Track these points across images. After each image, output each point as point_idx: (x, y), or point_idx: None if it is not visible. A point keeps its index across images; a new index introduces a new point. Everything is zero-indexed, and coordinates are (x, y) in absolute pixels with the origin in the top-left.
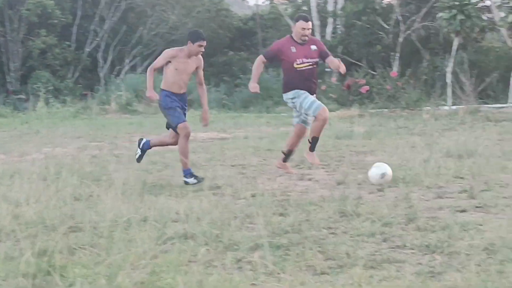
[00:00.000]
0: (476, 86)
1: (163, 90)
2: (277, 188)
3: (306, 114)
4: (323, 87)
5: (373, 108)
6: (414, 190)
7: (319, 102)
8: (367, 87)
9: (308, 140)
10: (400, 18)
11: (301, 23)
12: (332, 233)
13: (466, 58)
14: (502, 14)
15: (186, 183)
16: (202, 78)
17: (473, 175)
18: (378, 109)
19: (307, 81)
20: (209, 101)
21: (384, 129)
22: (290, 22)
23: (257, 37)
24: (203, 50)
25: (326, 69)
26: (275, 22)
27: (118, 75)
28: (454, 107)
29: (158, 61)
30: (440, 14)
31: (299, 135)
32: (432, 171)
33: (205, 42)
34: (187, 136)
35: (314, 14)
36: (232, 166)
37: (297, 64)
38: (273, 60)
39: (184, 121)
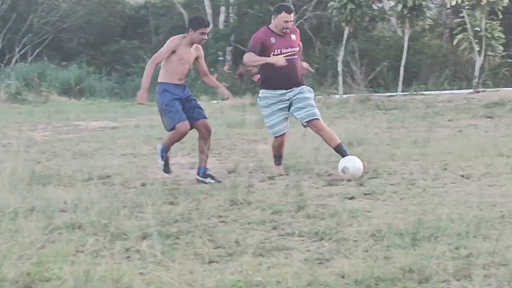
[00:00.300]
0: (366, 75)
1: (162, 83)
2: (168, 177)
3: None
4: (215, 75)
5: None
6: (305, 178)
7: (282, 126)
8: (259, 76)
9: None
10: (292, 7)
11: (284, 15)
12: (222, 222)
13: (357, 47)
14: (392, 4)
15: (158, 152)
16: (206, 68)
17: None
18: None
19: (286, 73)
20: (100, 90)
21: None
22: (183, 10)
23: (150, 25)
24: (206, 38)
25: (220, 58)
26: (168, 10)
27: (8, 64)
28: (345, 95)
29: (163, 53)
30: (331, 3)
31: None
32: (322, 159)
33: (208, 29)
34: (181, 134)
35: (207, 2)
36: (123, 155)
37: (274, 54)
38: (259, 54)
39: (183, 120)
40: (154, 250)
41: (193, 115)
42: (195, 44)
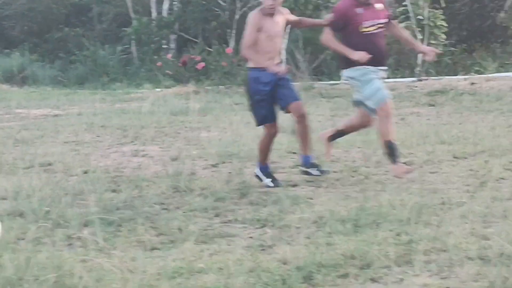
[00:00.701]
0: (310, 63)
1: (251, 69)
2: (110, 164)
3: (364, 103)
4: (159, 63)
5: (209, 84)
6: (248, 166)
7: (384, 91)
8: (203, 64)
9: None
10: None
11: None
12: (165, 209)
13: (301, 35)
14: None
15: (257, 177)
16: (297, 19)
17: None
18: (214, 86)
19: (374, 49)
20: (43, 77)
21: (219, 105)
22: None
23: (93, 13)
24: (272, 4)
25: (164, 46)
26: None
27: None
28: None
29: (250, 34)
30: None
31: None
32: None
33: None
34: (271, 136)
35: None
36: (65, 143)
37: (365, 27)
38: (340, 30)
39: (269, 122)
40: (96, 237)
41: (284, 98)
42: (278, 10)
